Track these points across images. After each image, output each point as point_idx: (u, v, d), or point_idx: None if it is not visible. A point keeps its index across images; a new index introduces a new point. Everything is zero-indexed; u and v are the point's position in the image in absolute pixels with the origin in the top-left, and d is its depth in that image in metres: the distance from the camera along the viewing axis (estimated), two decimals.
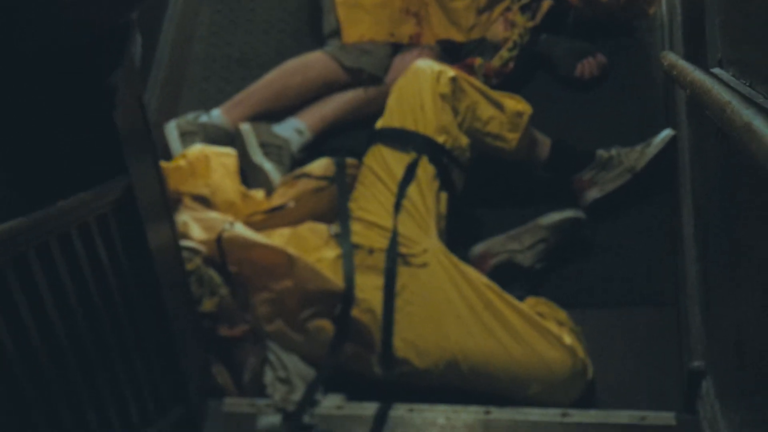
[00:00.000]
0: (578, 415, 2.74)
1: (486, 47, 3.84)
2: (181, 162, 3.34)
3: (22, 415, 1.98)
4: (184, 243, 2.98)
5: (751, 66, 1.92)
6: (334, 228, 3.17)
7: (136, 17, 2.58)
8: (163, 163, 3.21)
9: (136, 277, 2.43)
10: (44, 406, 2.05)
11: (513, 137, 3.32)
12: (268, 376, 2.97)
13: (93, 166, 2.29)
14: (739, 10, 2.09)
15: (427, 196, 3.12)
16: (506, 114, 3.32)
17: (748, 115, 1.49)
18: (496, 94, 3.34)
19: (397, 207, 3.11)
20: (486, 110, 3.29)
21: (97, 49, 2.36)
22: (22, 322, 1.99)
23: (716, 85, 1.94)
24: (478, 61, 3.76)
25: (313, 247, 3.11)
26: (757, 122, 1.43)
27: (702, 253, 2.81)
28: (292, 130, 3.70)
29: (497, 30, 3.87)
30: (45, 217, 2.06)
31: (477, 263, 3.24)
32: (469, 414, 2.80)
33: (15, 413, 1.95)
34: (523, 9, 3.88)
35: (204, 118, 3.73)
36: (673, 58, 2.57)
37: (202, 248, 3.02)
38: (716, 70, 2.23)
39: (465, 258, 3.23)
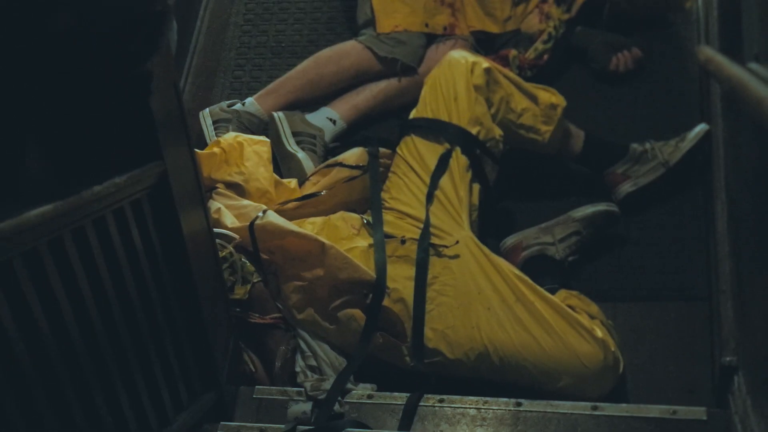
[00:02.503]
0: (609, 409, 2.73)
1: (521, 39, 3.83)
2: (215, 149, 3.35)
3: (56, 397, 1.99)
4: (217, 230, 2.99)
5: None
6: (367, 217, 3.17)
7: (172, 3, 2.59)
8: (197, 151, 3.23)
9: (169, 263, 2.44)
10: (77, 389, 2.06)
11: (546, 130, 3.31)
12: (299, 365, 2.98)
13: (128, 152, 2.30)
14: None
15: (459, 187, 3.12)
16: (540, 106, 3.31)
17: None
18: (531, 86, 3.33)
19: (430, 197, 3.11)
20: (520, 102, 3.29)
21: (133, 35, 2.37)
22: (57, 305, 2.00)
23: (753, 80, 1.93)
24: (512, 52, 3.76)
25: (345, 236, 3.12)
26: None
27: (735, 248, 2.80)
28: (326, 119, 3.70)
29: (532, 22, 3.86)
30: (81, 202, 2.07)
31: (509, 255, 3.24)
32: (499, 406, 2.80)
33: (49, 395, 1.96)
34: (559, 1, 3.87)
35: (238, 106, 3.74)
36: (710, 52, 2.56)
37: (234, 236, 3.03)
38: (753, 65, 2.22)
39: (496, 250, 3.23)
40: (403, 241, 3.06)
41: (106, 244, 2.19)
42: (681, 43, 3.86)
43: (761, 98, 1.70)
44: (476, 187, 3.18)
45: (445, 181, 3.13)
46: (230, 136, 3.42)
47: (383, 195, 3.21)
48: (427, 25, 3.83)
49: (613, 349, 2.87)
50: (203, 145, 3.55)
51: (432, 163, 3.15)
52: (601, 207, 3.28)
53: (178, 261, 2.47)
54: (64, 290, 2.03)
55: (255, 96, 3.79)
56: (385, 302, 2.96)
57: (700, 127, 3.38)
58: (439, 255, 3.02)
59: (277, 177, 3.41)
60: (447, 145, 3.16)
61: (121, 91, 2.28)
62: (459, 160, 3.15)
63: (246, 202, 3.21)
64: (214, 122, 3.69)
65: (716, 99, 3.34)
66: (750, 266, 2.54)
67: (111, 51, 2.30)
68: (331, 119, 3.70)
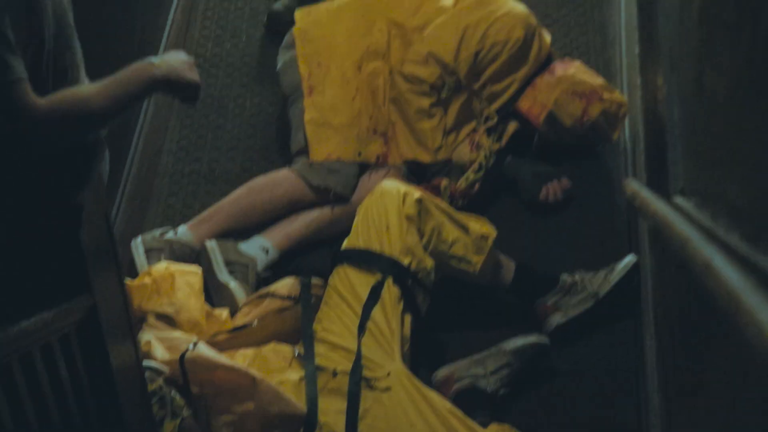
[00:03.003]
0: None
1: (452, 168, 3.87)
2: (146, 279, 3.33)
3: None
4: (147, 363, 2.96)
5: (713, 196, 1.94)
6: (299, 349, 3.15)
7: (105, 133, 2.60)
8: (128, 281, 3.21)
9: (97, 397, 2.41)
10: None
11: (477, 260, 3.33)
12: None
13: (57, 285, 2.28)
14: (701, 139, 2.12)
15: (391, 318, 3.12)
16: (471, 236, 3.33)
17: (708, 253, 1.50)
18: (462, 216, 3.36)
19: (361, 329, 3.10)
20: (451, 232, 3.31)
21: (64, 167, 2.37)
22: None
23: (677, 218, 1.96)
24: (444, 182, 3.79)
25: (276, 368, 3.09)
26: (717, 261, 1.44)
27: (664, 382, 2.81)
28: (258, 248, 3.69)
29: (463, 151, 3.90)
30: (7, 338, 2.04)
31: (440, 387, 3.23)
32: None
33: None
34: (489, 131, 3.92)
35: (170, 235, 3.72)
36: (636, 187, 2.60)
37: (164, 368, 2.99)
38: (678, 199, 2.26)
39: (429, 382, 3.21)
40: (334, 374, 3.05)
41: (32, 379, 2.15)
42: (609, 173, 3.92)
43: (685, 238, 1.73)
44: (408, 317, 3.18)
45: (377, 312, 3.13)
46: (162, 266, 3.40)
47: (315, 326, 3.20)
48: (360, 154, 3.86)
49: None
50: (135, 274, 3.53)
51: (364, 293, 3.15)
52: (531, 339, 3.29)
53: (107, 395, 2.44)
54: None
55: (188, 224, 3.78)
56: None
57: (629, 259, 3.42)
58: (371, 388, 3.00)
59: (209, 307, 3.39)
60: (379, 276, 3.17)
61: (51, 223, 2.27)
62: (391, 291, 3.15)
63: (176, 333, 3.18)
64: (146, 251, 3.67)
65: (644, 230, 3.39)
66: (678, 400, 2.55)
67: (40, 182, 2.30)
68: (263, 248, 3.70)
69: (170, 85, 2.57)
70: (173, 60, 2.61)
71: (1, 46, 2.13)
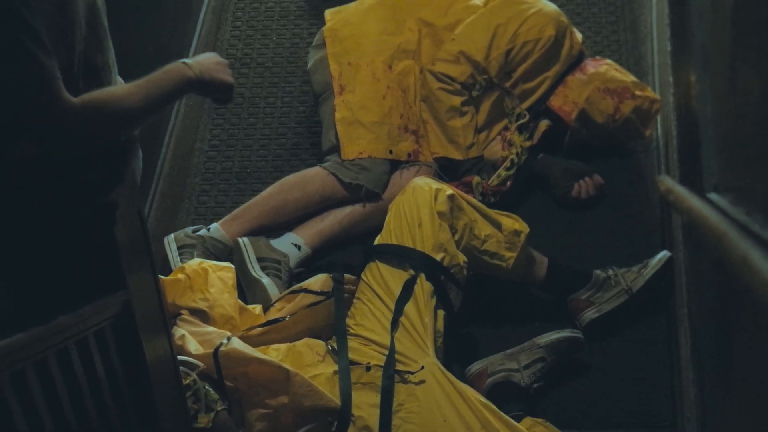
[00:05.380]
0: None
1: (484, 166, 3.87)
2: (180, 275, 3.34)
3: None
4: (181, 357, 2.97)
5: (748, 193, 1.93)
6: (332, 344, 3.16)
7: (138, 132, 2.61)
8: (162, 277, 3.22)
9: (132, 391, 2.42)
10: None
11: (510, 256, 3.33)
12: None
13: (93, 281, 2.30)
14: (735, 136, 2.12)
15: (424, 313, 3.12)
16: (504, 233, 3.33)
17: (745, 248, 1.50)
18: (494, 213, 3.36)
19: (395, 324, 3.11)
20: (483, 229, 3.31)
21: (98, 165, 2.38)
22: None
23: (713, 214, 1.96)
24: (476, 179, 3.79)
25: (309, 363, 3.10)
26: (755, 255, 1.43)
27: (699, 375, 2.81)
28: (290, 244, 3.71)
29: (495, 149, 3.91)
30: (44, 333, 2.06)
31: (474, 382, 3.23)
32: None
33: None
34: (521, 129, 3.91)
35: (203, 231, 3.74)
36: (670, 183, 2.60)
37: (198, 363, 3.01)
38: (713, 196, 2.25)
39: (462, 376, 3.22)
40: (368, 368, 3.06)
41: (68, 374, 2.17)
42: (641, 170, 3.91)
43: (721, 233, 1.72)
44: (441, 313, 3.18)
45: (409, 307, 3.13)
46: (195, 262, 3.42)
47: (348, 321, 3.21)
48: (391, 152, 3.86)
49: None
50: (168, 270, 3.54)
51: (397, 289, 3.16)
52: (565, 333, 3.28)
53: (141, 389, 2.45)
54: (26, 421, 2.00)
55: (220, 221, 3.80)
56: (350, 430, 2.94)
57: (662, 254, 3.41)
58: (405, 381, 3.01)
59: (242, 303, 3.40)
60: (411, 272, 3.17)
61: (85, 220, 2.28)
62: (423, 287, 3.16)
63: (210, 328, 3.20)
64: (179, 248, 3.69)
65: (677, 226, 3.38)
66: (714, 393, 2.54)
67: (75, 180, 2.31)
68: (295, 245, 3.71)
69: (204, 86, 2.57)
70: (206, 61, 2.62)
71: (36, 48, 2.14)
